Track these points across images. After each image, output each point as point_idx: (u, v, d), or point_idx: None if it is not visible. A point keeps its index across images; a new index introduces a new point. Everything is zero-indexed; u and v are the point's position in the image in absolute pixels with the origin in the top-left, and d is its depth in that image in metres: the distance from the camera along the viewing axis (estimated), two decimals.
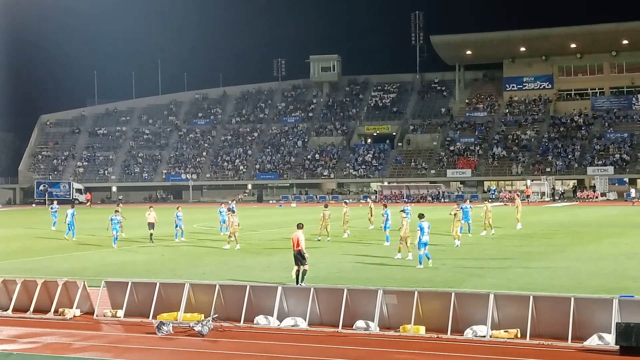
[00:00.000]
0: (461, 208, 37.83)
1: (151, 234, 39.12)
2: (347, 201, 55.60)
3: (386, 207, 37.20)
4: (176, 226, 39.91)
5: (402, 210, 31.03)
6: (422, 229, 26.83)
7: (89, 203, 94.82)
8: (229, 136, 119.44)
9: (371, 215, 45.92)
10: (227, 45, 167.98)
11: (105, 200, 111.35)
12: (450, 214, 35.58)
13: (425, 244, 26.88)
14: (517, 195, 65.16)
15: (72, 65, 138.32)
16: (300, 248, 22.11)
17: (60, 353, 15.84)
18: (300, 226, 22.97)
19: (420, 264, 26.77)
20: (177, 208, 41.30)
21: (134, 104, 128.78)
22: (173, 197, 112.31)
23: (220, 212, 41.87)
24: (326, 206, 40.91)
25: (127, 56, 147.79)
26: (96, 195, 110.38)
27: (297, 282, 21.88)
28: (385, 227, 35.96)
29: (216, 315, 17.82)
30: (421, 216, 27.48)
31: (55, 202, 53.29)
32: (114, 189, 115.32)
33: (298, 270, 22.30)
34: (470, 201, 43.37)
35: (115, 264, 30.43)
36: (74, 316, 19.02)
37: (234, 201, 54.12)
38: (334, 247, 35.14)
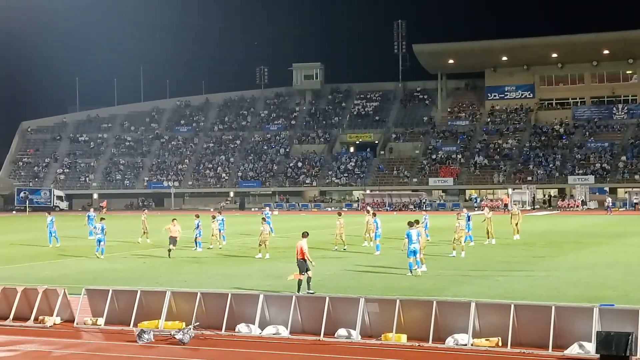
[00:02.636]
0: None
1: (170, 250, 34.90)
2: (369, 209, 53.98)
3: (375, 216, 36.87)
4: (197, 235, 38.68)
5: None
6: (409, 237, 26.66)
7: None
8: (211, 143, 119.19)
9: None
10: (209, 52, 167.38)
11: (86, 207, 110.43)
12: (458, 223, 33.88)
13: (415, 252, 26.71)
14: (515, 204, 65.14)
15: (53, 71, 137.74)
16: (304, 256, 22.72)
17: None
18: (305, 235, 23.48)
19: (410, 272, 26.66)
20: (197, 216, 39.71)
21: (116, 111, 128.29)
22: (155, 204, 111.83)
23: (219, 220, 40.89)
24: (340, 214, 39.65)
25: (109, 63, 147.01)
26: (77, 202, 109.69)
27: (299, 290, 22.16)
28: (375, 235, 35.61)
29: (197, 323, 17.76)
30: (411, 224, 27.35)
31: (92, 209, 49.99)
32: (95, 195, 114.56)
33: (300, 278, 22.71)
34: (465, 209, 43.39)
35: (95, 271, 30.22)
36: (54, 324, 18.90)
37: (269, 210, 52.07)
38: (317, 255, 35.04)
